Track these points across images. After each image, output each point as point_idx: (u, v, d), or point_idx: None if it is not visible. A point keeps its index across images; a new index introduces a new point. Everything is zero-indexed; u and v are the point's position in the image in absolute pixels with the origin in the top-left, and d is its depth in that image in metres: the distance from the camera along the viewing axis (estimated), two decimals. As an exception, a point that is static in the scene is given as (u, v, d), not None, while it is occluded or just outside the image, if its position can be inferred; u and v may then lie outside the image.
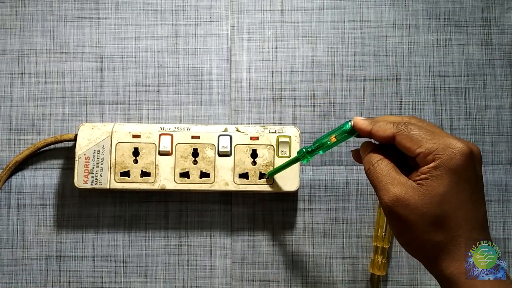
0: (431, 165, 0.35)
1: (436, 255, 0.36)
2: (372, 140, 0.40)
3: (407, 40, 0.54)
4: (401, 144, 0.36)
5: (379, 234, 0.51)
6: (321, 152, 0.42)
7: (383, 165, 0.37)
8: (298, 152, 0.44)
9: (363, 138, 0.40)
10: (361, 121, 0.39)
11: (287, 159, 0.49)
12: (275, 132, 0.50)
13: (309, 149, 0.43)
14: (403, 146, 0.36)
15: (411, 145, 0.35)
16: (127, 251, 0.52)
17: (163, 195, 0.52)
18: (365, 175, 0.39)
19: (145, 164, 0.49)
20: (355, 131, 0.39)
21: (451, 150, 0.34)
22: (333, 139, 0.41)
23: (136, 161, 0.49)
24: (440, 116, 0.54)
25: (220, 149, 0.50)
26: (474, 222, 0.35)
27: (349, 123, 0.39)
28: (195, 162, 0.50)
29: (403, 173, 0.39)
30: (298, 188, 0.50)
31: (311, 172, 0.53)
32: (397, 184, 0.36)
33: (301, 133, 0.52)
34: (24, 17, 0.54)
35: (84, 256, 0.52)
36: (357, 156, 0.41)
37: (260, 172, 0.50)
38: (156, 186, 0.49)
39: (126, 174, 0.49)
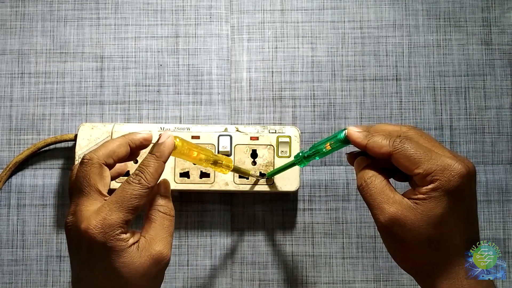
0: (430, 186, 0.34)
1: (430, 273, 0.36)
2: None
3: (407, 40, 0.54)
4: (398, 163, 0.36)
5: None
6: (317, 158, 0.42)
7: (376, 182, 0.36)
8: (295, 157, 0.44)
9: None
10: (356, 134, 0.38)
11: (287, 159, 0.49)
12: (275, 132, 0.50)
13: (306, 154, 0.42)
14: (400, 165, 0.36)
15: (409, 165, 0.35)
16: (127, 251, 0.52)
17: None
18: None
19: (145, 164, 0.49)
20: (348, 141, 0.38)
21: (450, 172, 0.34)
22: (328, 147, 0.40)
23: (136, 161, 0.49)
24: (440, 116, 0.54)
25: (220, 149, 0.50)
26: (468, 242, 0.36)
27: (343, 133, 0.38)
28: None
29: (399, 178, 0.39)
30: (298, 188, 0.50)
31: (311, 172, 0.53)
32: (392, 203, 0.35)
33: (301, 133, 0.52)
34: (24, 17, 0.54)
35: (84, 256, 0.52)
36: (352, 159, 0.40)
37: (260, 172, 0.50)
38: (156, 186, 0.49)
39: (126, 174, 0.49)
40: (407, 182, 0.39)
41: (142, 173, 0.36)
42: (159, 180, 0.39)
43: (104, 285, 0.36)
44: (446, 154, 0.35)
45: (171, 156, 0.39)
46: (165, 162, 0.37)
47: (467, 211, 0.35)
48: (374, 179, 0.37)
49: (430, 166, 0.34)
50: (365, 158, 0.38)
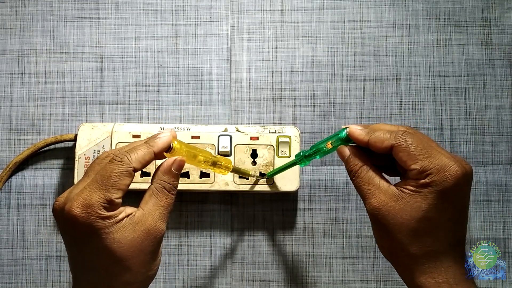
0: (421, 182, 0.35)
1: (408, 264, 0.36)
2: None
3: (407, 40, 0.54)
4: (397, 156, 0.36)
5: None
6: (318, 157, 0.42)
7: (363, 173, 0.37)
8: (296, 156, 0.44)
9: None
10: (357, 131, 0.38)
11: (287, 159, 0.49)
12: (275, 132, 0.50)
13: (307, 154, 0.42)
14: (399, 159, 0.36)
15: (407, 160, 0.35)
16: (127, 251, 0.52)
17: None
18: None
19: (145, 164, 0.49)
20: (350, 140, 0.38)
21: (445, 172, 0.34)
22: (329, 146, 0.40)
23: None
24: (440, 116, 0.54)
25: (220, 149, 0.50)
26: (451, 240, 0.36)
27: (345, 131, 0.38)
28: (195, 162, 0.50)
29: (391, 173, 0.39)
30: (298, 188, 0.50)
31: (311, 172, 0.53)
32: (378, 193, 0.36)
33: (301, 133, 0.52)
34: (24, 17, 0.54)
35: (84, 256, 0.52)
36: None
37: (260, 172, 0.50)
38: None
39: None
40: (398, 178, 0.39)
41: (128, 153, 0.36)
42: (178, 157, 0.38)
43: (95, 265, 0.35)
44: (445, 154, 0.35)
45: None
46: (155, 154, 0.37)
47: (455, 212, 0.35)
48: (362, 170, 0.37)
49: (427, 164, 0.34)
50: (347, 146, 0.39)
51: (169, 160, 0.38)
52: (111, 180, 0.34)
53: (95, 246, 0.34)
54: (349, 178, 0.52)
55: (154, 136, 0.38)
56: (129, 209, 0.36)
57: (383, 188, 0.36)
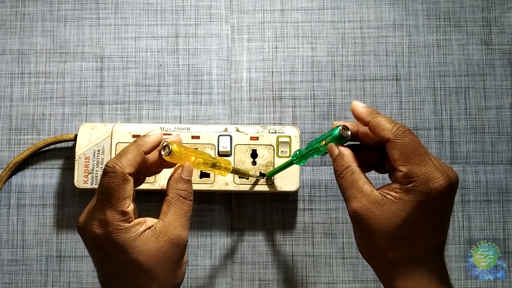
0: (404, 187, 0.34)
1: (385, 268, 0.36)
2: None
3: (407, 40, 0.54)
4: (390, 151, 0.35)
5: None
6: (315, 156, 0.42)
7: (348, 175, 0.37)
8: (292, 156, 0.44)
9: (352, 144, 0.40)
10: (361, 109, 0.37)
11: (287, 159, 0.49)
12: (275, 132, 0.50)
13: (303, 153, 0.42)
14: (391, 155, 0.35)
15: (398, 159, 0.35)
16: (127, 251, 0.52)
17: (163, 195, 0.52)
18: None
19: (145, 164, 0.49)
20: (344, 138, 0.38)
21: (429, 184, 0.34)
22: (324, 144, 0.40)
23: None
24: (440, 116, 0.54)
25: (220, 149, 0.50)
26: (429, 247, 0.36)
27: (338, 129, 0.38)
28: (195, 162, 0.50)
29: (380, 171, 0.39)
30: (298, 188, 0.50)
31: (311, 172, 0.53)
32: (360, 197, 0.36)
33: (301, 133, 0.52)
34: (24, 17, 0.54)
35: (84, 256, 0.52)
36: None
37: (260, 172, 0.50)
38: (156, 186, 0.49)
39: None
40: (387, 175, 0.39)
41: (117, 159, 0.35)
42: (185, 163, 0.38)
43: (123, 277, 0.36)
44: (434, 163, 0.35)
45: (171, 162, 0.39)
46: (146, 153, 0.37)
47: (435, 222, 0.35)
48: (346, 172, 0.37)
49: (415, 171, 0.34)
50: (337, 145, 0.38)
51: (178, 168, 0.39)
52: (113, 195, 0.34)
53: (122, 259, 0.35)
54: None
55: (144, 136, 0.38)
56: (149, 221, 0.37)
57: (366, 192, 0.36)
